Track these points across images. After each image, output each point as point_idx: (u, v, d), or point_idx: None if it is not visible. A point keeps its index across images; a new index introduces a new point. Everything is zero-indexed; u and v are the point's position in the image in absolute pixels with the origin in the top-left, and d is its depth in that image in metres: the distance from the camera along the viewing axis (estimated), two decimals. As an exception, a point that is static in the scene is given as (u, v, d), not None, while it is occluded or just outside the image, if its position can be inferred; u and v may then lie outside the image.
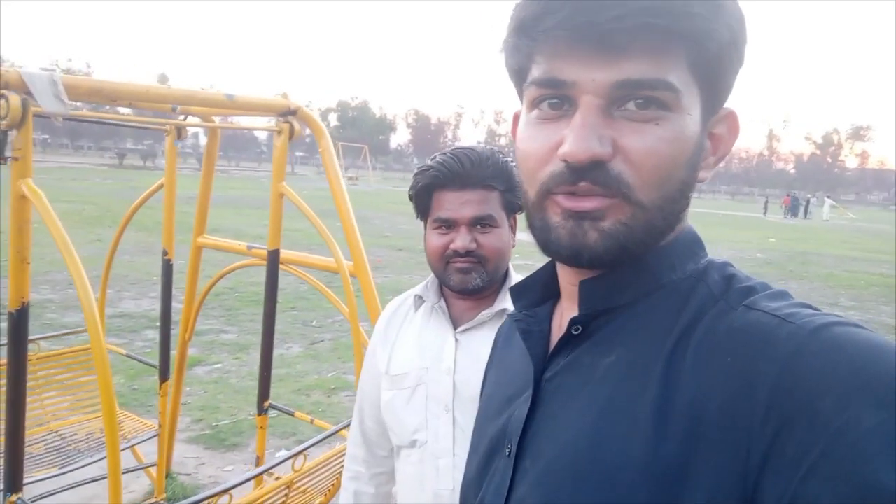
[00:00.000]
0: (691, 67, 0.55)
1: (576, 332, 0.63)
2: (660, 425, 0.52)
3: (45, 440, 2.72)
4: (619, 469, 0.53)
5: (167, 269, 2.86)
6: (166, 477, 3.42)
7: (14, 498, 1.69)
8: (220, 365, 5.64)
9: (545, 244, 0.60)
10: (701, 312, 0.57)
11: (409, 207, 1.34)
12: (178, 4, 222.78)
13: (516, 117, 0.67)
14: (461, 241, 1.24)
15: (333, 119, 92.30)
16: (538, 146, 0.58)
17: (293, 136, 2.26)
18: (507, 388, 0.72)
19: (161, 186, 2.74)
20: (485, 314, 1.28)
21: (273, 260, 2.42)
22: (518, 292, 0.73)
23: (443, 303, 1.32)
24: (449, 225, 1.25)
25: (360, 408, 1.45)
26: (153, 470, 3.22)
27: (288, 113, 2.24)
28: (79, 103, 1.91)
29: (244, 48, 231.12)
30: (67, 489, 2.68)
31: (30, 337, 3.16)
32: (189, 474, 3.70)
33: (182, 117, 2.58)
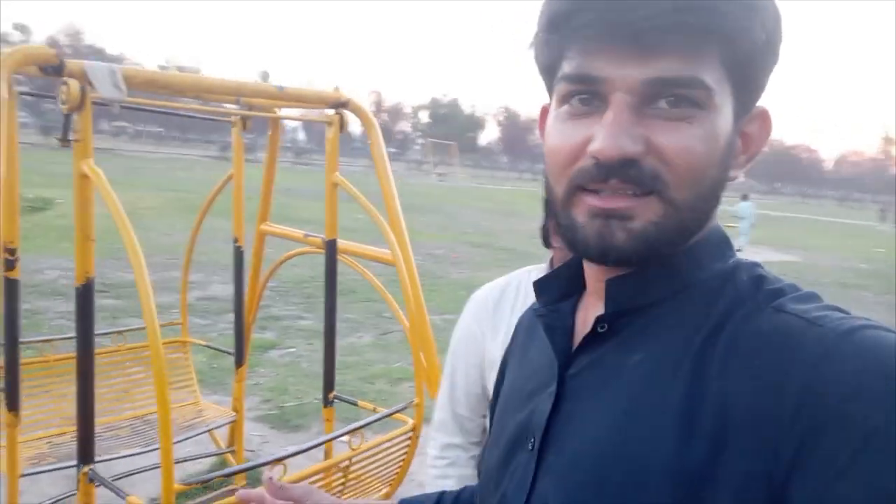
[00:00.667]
0: (725, 65, 0.54)
1: (601, 330, 0.62)
2: (686, 427, 0.52)
3: (132, 425, 2.92)
4: (644, 469, 0.54)
5: (238, 255, 3.00)
6: (233, 452, 3.61)
7: (86, 469, 1.82)
8: (293, 349, 5.86)
9: (572, 242, 0.60)
10: (728, 313, 0.56)
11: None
12: (281, 5, 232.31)
13: (544, 111, 0.67)
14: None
15: (425, 116, 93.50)
16: (568, 142, 0.58)
17: (343, 128, 2.32)
18: (528, 381, 0.72)
19: (230, 178, 2.87)
20: None
21: (331, 250, 2.48)
22: (542, 286, 0.73)
23: None
24: None
25: (454, 397, 1.44)
26: (231, 456, 3.38)
27: (339, 105, 2.30)
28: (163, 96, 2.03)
29: (342, 46, 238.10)
30: (145, 470, 2.87)
31: (118, 329, 3.44)
32: (253, 451, 3.88)
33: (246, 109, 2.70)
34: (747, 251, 15.84)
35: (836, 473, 0.44)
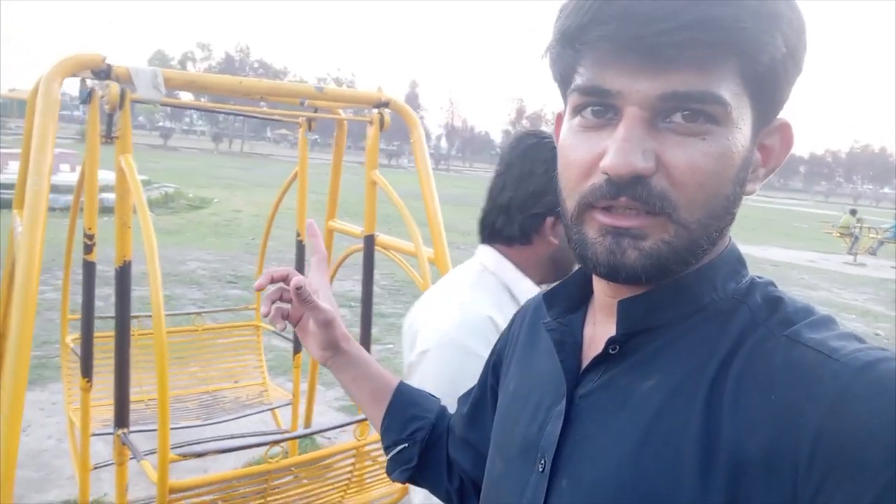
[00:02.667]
0: (743, 79, 0.53)
1: (612, 352, 0.61)
2: (705, 463, 0.52)
3: (200, 399, 3.20)
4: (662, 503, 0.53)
5: (300, 250, 3.17)
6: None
7: (119, 432, 2.03)
8: (391, 346, 6.05)
9: (582, 259, 0.60)
10: (741, 339, 0.56)
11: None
12: (428, 16, 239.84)
13: (560, 117, 0.67)
14: None
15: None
16: (580, 156, 0.58)
17: (384, 127, 2.38)
18: (533, 391, 0.71)
19: (296, 176, 3.04)
20: None
21: (369, 245, 2.56)
22: (551, 298, 0.72)
23: None
24: None
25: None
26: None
27: (380, 105, 2.36)
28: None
29: (482, 56, 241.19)
30: (207, 441, 3.12)
31: (198, 310, 3.77)
32: (329, 438, 4.06)
33: (312, 111, 2.84)
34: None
35: None
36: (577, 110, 0.58)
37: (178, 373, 3.26)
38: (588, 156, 0.56)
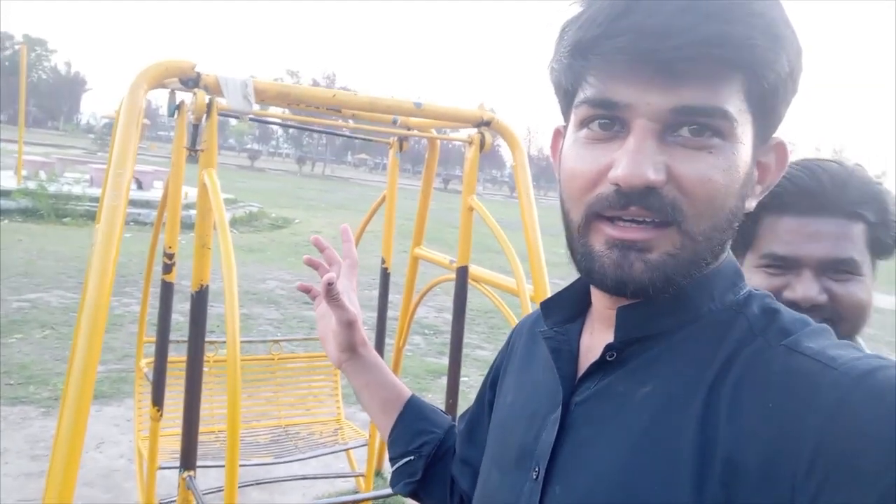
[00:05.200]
0: (747, 97, 0.55)
1: (610, 359, 0.62)
2: (700, 470, 0.52)
3: (273, 433, 3.03)
4: None
5: (384, 277, 2.98)
6: (377, 475, 3.59)
7: (185, 475, 1.86)
8: (465, 378, 5.78)
9: (588, 272, 0.60)
10: (739, 348, 0.56)
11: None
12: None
13: (557, 133, 0.68)
14: (805, 289, 0.90)
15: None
16: (587, 167, 0.58)
17: (484, 148, 2.16)
18: (530, 401, 0.71)
19: (384, 199, 2.87)
20: None
21: (461, 277, 2.34)
22: (548, 307, 0.72)
23: None
24: (786, 265, 0.93)
25: None
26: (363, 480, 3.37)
27: (481, 123, 2.15)
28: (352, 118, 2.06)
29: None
30: (275, 482, 2.94)
31: (273, 338, 3.63)
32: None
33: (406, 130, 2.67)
34: None
35: None
36: (585, 123, 0.58)
37: (251, 401, 3.11)
38: (595, 167, 0.57)
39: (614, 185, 0.55)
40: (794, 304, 0.88)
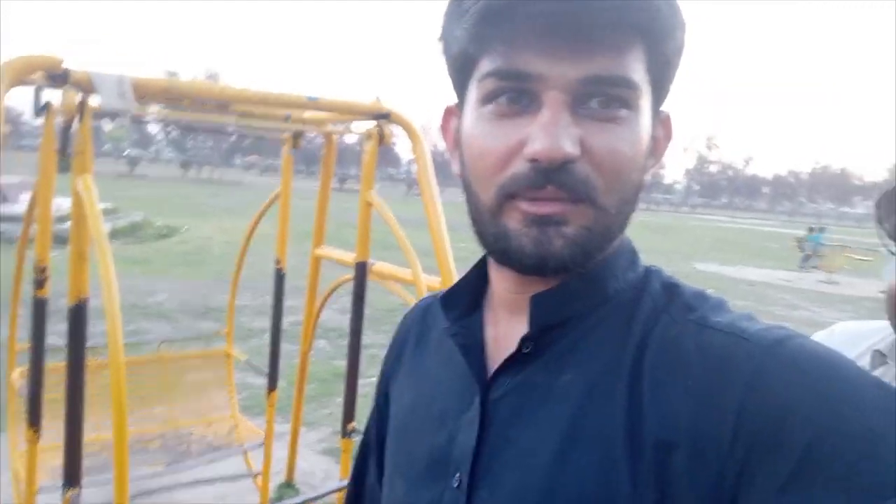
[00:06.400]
0: (647, 66, 0.54)
1: (526, 350, 0.59)
2: (633, 455, 0.51)
3: (164, 437, 2.86)
4: (596, 501, 0.52)
5: (279, 279, 2.89)
6: (288, 486, 3.48)
7: (69, 494, 1.71)
8: (374, 379, 5.71)
9: (503, 252, 0.57)
10: (649, 327, 0.56)
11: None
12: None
13: (449, 113, 0.65)
14: None
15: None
16: (498, 144, 0.55)
17: (383, 141, 2.12)
18: (435, 401, 0.67)
19: (277, 197, 2.77)
20: None
21: (360, 273, 2.30)
22: (449, 301, 0.69)
23: None
24: None
25: None
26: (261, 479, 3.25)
27: (379, 116, 2.11)
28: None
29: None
30: (166, 490, 2.78)
31: (161, 339, 3.43)
32: (313, 485, 3.72)
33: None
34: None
35: (777, 492, 0.45)
36: (491, 97, 0.55)
37: (140, 409, 2.91)
38: (506, 144, 0.54)
39: (531, 162, 0.52)
40: None
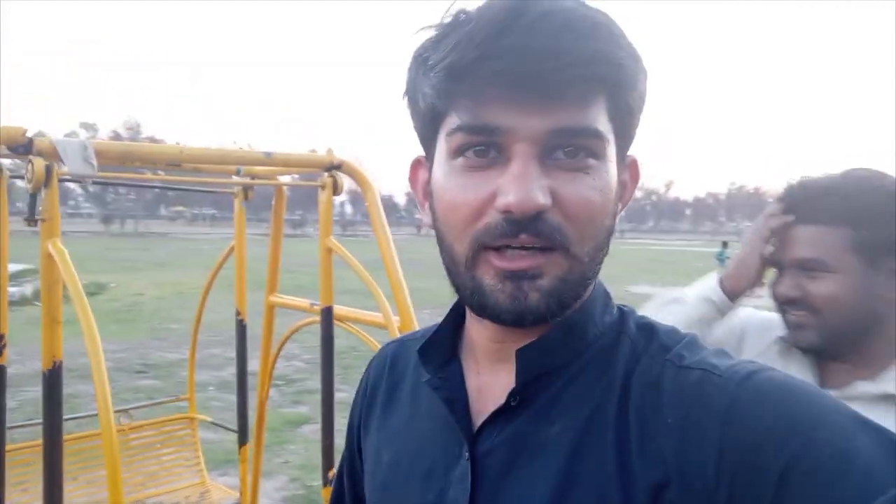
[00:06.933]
0: (610, 116, 0.56)
1: (514, 404, 0.60)
2: (627, 499, 0.52)
3: None
4: None
5: (241, 329, 2.91)
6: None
7: None
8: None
9: (481, 308, 0.57)
10: (630, 371, 0.57)
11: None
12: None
13: (417, 164, 0.66)
14: (781, 287, 1.12)
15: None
16: (470, 196, 0.55)
17: (337, 191, 2.23)
18: (419, 457, 0.66)
19: (233, 250, 2.82)
20: (862, 386, 1.05)
21: (326, 318, 2.36)
22: (427, 352, 0.68)
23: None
24: (777, 266, 1.14)
25: None
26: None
27: (332, 167, 2.22)
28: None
29: (385, 119, 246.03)
30: None
31: (122, 407, 3.37)
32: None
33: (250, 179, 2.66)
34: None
35: None
36: (461, 151, 0.56)
37: (103, 481, 2.84)
38: (479, 196, 0.55)
39: (503, 213, 0.53)
40: (776, 297, 1.13)
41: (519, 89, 0.52)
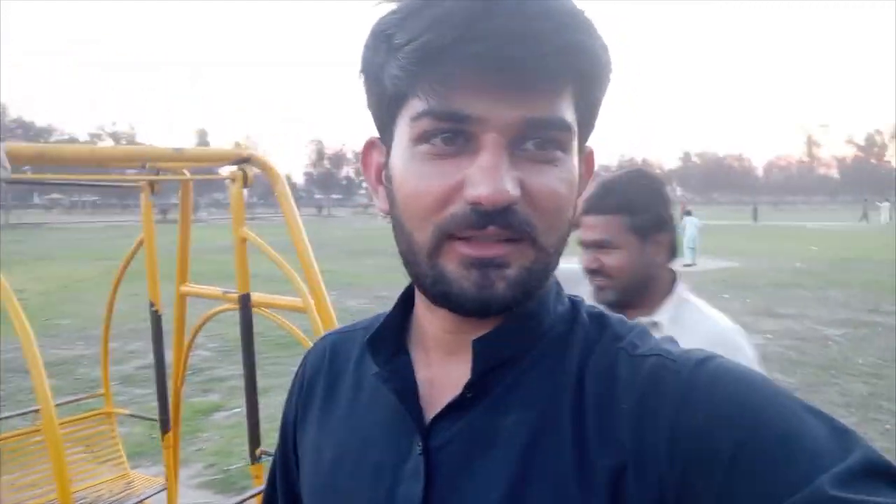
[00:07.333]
0: (576, 107, 0.55)
1: (470, 395, 0.58)
2: (585, 486, 0.52)
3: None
4: None
5: (156, 320, 2.95)
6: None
7: None
8: (239, 409, 5.71)
9: (444, 296, 0.56)
10: (584, 357, 0.58)
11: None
12: (215, 71, 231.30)
13: (371, 146, 0.63)
14: (584, 261, 1.51)
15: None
16: (435, 185, 0.53)
17: (247, 183, 2.34)
18: (366, 453, 0.63)
19: (142, 243, 2.85)
20: (641, 319, 1.37)
21: (245, 304, 2.47)
22: (376, 344, 0.66)
23: None
24: (584, 246, 1.52)
25: None
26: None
27: (241, 161, 2.33)
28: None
29: (279, 99, 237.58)
30: None
31: (34, 409, 3.31)
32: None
33: (155, 172, 2.70)
34: (699, 262, 16.36)
35: (716, 499, 0.47)
36: (426, 137, 0.53)
37: (22, 480, 2.83)
38: (444, 185, 0.53)
39: (471, 205, 0.52)
40: (585, 270, 1.51)
41: (495, 75, 0.50)
